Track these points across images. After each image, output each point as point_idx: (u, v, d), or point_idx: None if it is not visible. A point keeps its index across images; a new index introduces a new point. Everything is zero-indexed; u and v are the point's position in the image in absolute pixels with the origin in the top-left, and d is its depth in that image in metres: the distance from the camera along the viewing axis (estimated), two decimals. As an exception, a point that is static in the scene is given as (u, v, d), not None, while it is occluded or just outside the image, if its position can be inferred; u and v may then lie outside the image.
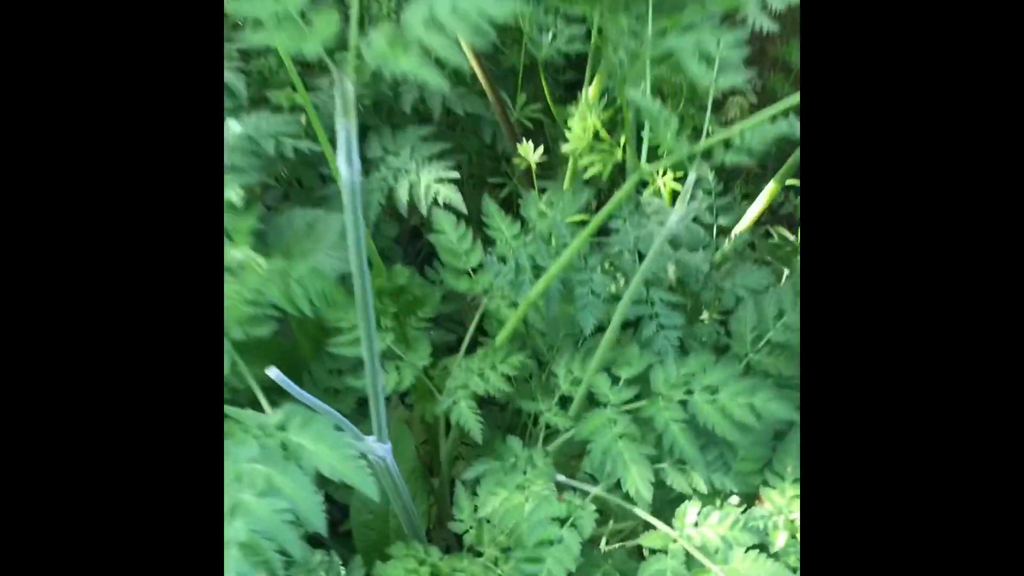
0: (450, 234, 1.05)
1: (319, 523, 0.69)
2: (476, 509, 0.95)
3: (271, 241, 1.06)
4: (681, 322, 0.96)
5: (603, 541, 0.93)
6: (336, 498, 1.21)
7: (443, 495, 1.19)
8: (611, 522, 0.93)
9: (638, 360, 0.91)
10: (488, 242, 1.04)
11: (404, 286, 1.04)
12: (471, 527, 0.97)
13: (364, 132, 1.28)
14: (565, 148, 1.10)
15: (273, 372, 0.68)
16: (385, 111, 1.34)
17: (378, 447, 0.89)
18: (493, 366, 1.00)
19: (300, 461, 0.70)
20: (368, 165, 1.24)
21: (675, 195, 1.23)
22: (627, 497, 0.84)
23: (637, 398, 0.89)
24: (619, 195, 0.85)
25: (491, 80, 1.27)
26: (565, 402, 0.98)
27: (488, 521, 0.94)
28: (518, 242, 1.02)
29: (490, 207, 1.04)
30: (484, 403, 1.09)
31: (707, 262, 1.06)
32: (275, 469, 0.69)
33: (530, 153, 1.14)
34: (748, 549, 0.75)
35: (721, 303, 1.05)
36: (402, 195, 1.17)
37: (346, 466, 0.70)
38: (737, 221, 1.10)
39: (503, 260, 1.01)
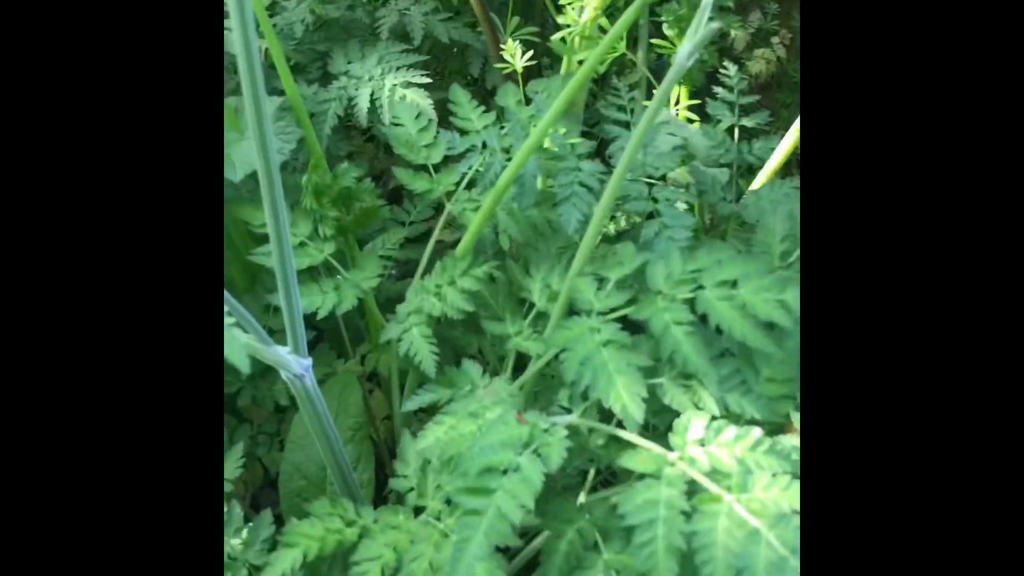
0: (409, 127, 0.85)
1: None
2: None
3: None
4: (689, 223, 0.75)
5: (582, 493, 0.71)
6: (267, 464, 1.00)
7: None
8: (592, 469, 0.71)
9: (632, 259, 0.70)
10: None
11: (349, 190, 0.84)
12: (415, 482, 0.75)
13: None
14: (556, 37, 0.90)
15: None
16: (359, 37, 1.16)
17: (292, 361, 0.69)
18: (452, 281, 0.79)
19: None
20: (329, 79, 1.05)
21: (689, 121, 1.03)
22: (603, 417, 0.62)
23: (630, 304, 0.67)
24: (623, 20, 0.66)
25: (483, 3, 1.09)
26: (540, 323, 0.77)
27: (431, 464, 0.72)
28: (491, 132, 0.82)
29: (457, 94, 0.85)
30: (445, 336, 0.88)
31: (727, 171, 0.86)
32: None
33: (517, 55, 0.95)
34: (775, 475, 0.53)
35: (742, 218, 0.84)
36: (362, 103, 0.98)
37: None
38: (763, 122, 0.90)
39: (471, 150, 0.81)
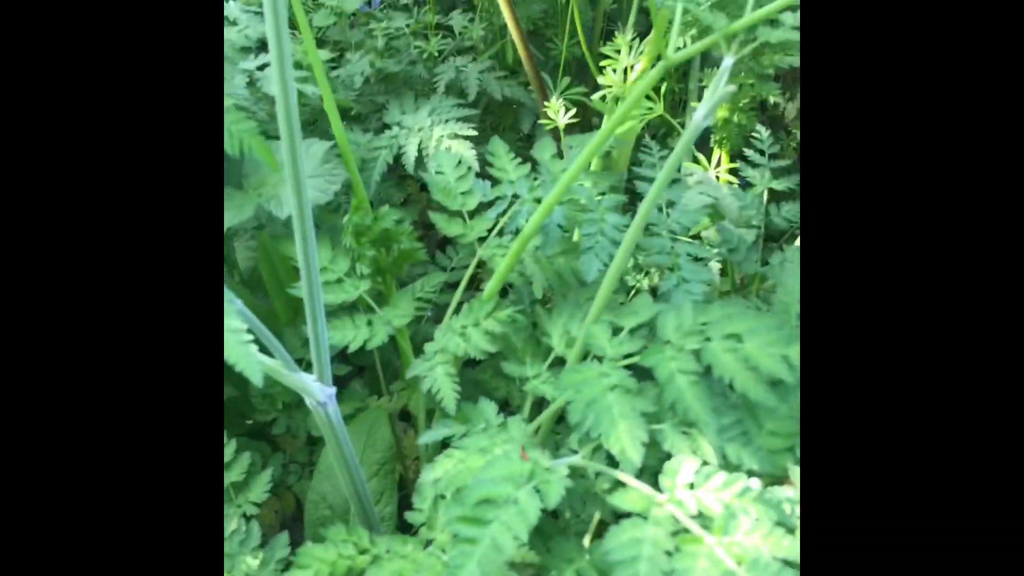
0: (448, 175, 0.89)
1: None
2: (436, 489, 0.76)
3: (248, 171, 0.93)
4: (707, 278, 0.77)
5: (587, 536, 0.72)
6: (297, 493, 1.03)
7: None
8: (597, 513, 0.72)
9: (647, 309, 0.72)
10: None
11: (388, 231, 0.88)
12: (428, 515, 0.77)
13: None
14: (596, 96, 0.94)
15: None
16: (417, 90, 1.22)
17: (316, 388, 0.72)
18: (477, 322, 0.82)
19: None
20: (384, 129, 1.11)
21: (732, 172, 1.06)
22: (611, 462, 0.64)
23: (642, 352, 0.69)
24: (643, 84, 0.69)
25: (535, 65, 1.14)
26: (559, 367, 0.79)
27: (443, 499, 0.75)
28: (523, 182, 0.86)
29: (496, 145, 0.89)
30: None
31: (753, 231, 0.88)
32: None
33: (560, 113, 0.99)
34: (758, 521, 0.54)
35: (768, 278, 0.85)
36: (411, 151, 1.03)
37: (225, 337, 0.53)
38: (794, 186, 0.91)
39: (503, 198, 0.85)
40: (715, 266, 0.97)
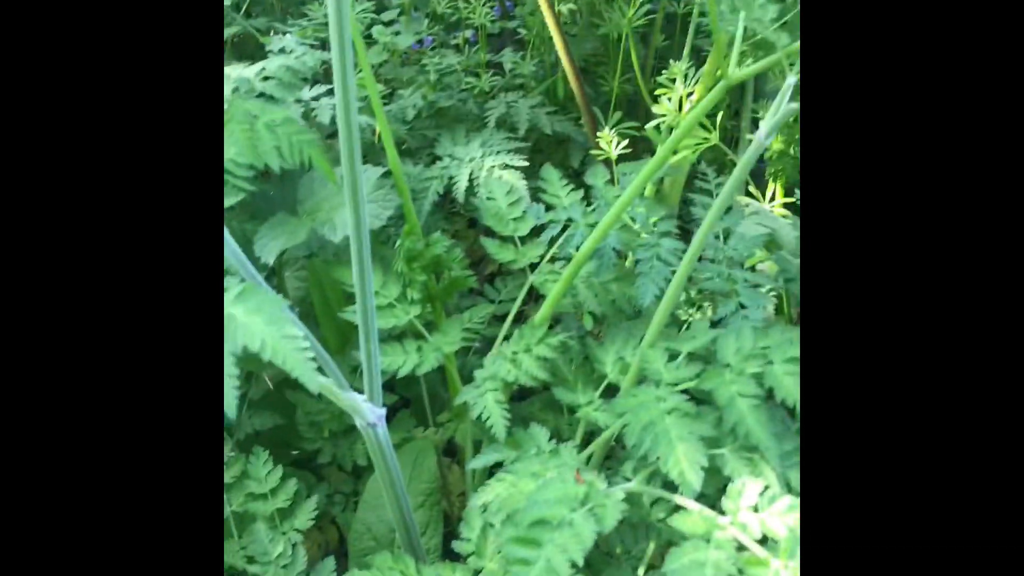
0: (500, 200, 0.89)
1: (229, 405, 0.51)
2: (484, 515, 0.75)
3: (302, 197, 0.93)
4: (767, 305, 0.75)
5: (641, 567, 0.69)
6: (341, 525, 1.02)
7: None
8: (652, 543, 0.70)
9: (704, 334, 0.70)
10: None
11: (439, 257, 0.88)
12: (476, 545, 0.75)
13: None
14: (650, 125, 0.94)
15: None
16: (467, 124, 1.22)
17: (367, 409, 0.71)
18: (528, 348, 0.81)
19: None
20: (435, 160, 1.11)
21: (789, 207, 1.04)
22: (668, 489, 0.62)
23: (699, 378, 0.68)
24: (704, 103, 0.68)
25: (587, 99, 1.14)
26: (612, 395, 0.77)
27: (493, 527, 0.73)
28: (576, 208, 0.85)
29: (549, 172, 0.89)
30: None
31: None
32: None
33: (612, 143, 0.98)
34: (829, 549, 0.51)
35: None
36: (462, 182, 1.03)
37: (281, 344, 0.52)
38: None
39: (555, 223, 0.84)
40: (770, 302, 0.95)
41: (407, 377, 1.08)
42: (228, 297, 0.54)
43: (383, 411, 0.73)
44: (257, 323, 0.53)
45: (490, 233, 0.88)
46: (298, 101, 1.05)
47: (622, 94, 1.26)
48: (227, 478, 0.88)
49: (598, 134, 1.01)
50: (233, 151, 0.60)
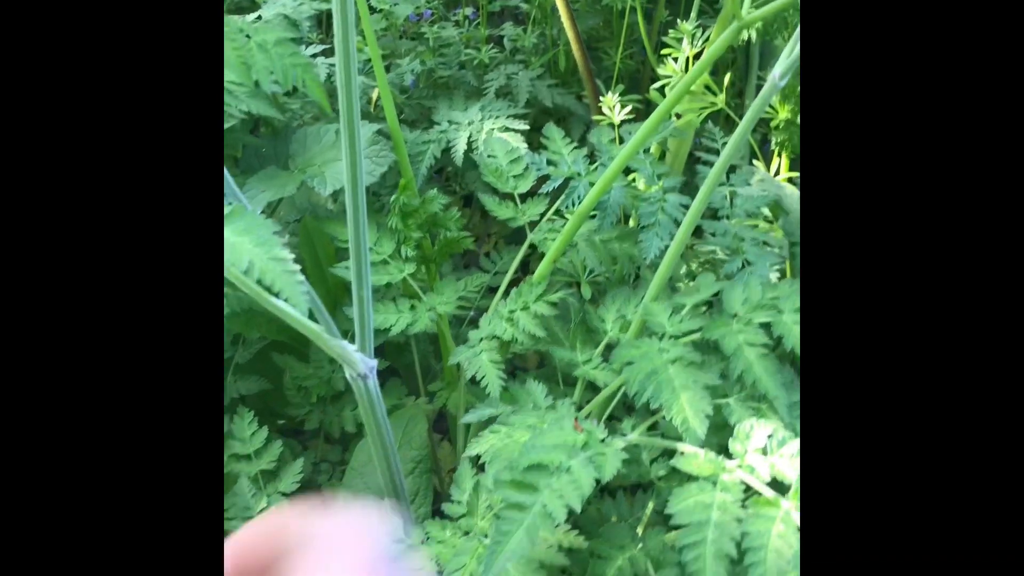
0: (500, 158, 0.87)
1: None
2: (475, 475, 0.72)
3: (294, 152, 0.91)
4: (774, 263, 0.72)
5: (640, 526, 0.67)
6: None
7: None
8: (652, 501, 0.67)
9: (709, 287, 0.68)
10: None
11: (436, 216, 0.85)
12: (467, 507, 0.72)
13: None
14: (654, 87, 0.91)
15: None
16: (465, 92, 1.20)
17: (358, 358, 0.68)
18: (526, 305, 0.78)
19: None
20: (430, 126, 1.09)
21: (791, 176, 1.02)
22: (672, 436, 0.59)
23: (704, 329, 0.65)
24: (714, 48, 0.66)
25: (591, 70, 1.12)
26: (611, 353, 0.75)
27: (482, 489, 0.70)
28: (579, 162, 0.82)
29: (551, 130, 0.86)
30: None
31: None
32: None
33: (615, 109, 0.96)
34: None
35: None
36: (460, 146, 1.00)
37: (269, 265, 0.50)
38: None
39: (555, 178, 0.81)
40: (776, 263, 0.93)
41: (398, 345, 1.06)
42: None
43: (375, 362, 0.70)
44: (245, 243, 0.51)
45: (487, 189, 0.85)
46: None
47: (625, 69, 1.24)
48: (210, 438, 0.85)
49: (601, 99, 0.99)
50: (225, 72, 0.57)
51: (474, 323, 1.04)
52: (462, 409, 0.94)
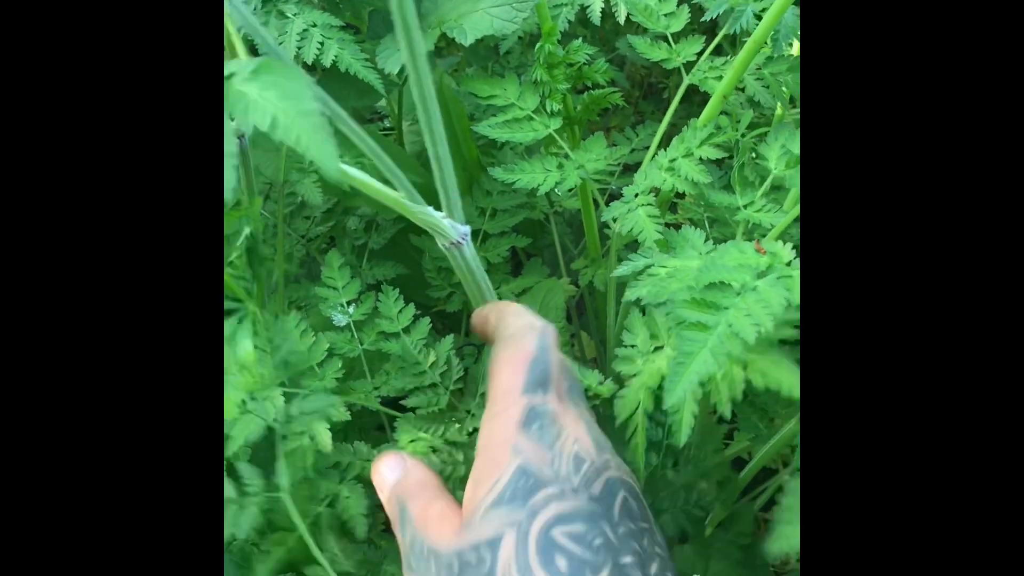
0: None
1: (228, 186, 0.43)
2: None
3: (426, 11, 0.86)
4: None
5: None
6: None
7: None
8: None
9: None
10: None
11: (581, 69, 0.79)
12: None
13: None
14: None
15: None
16: None
17: (448, 224, 0.61)
18: (689, 152, 0.72)
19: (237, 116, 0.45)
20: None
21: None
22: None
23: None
24: None
25: None
26: (775, 194, 0.68)
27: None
28: (738, -2, 0.75)
29: (705, -35, 0.79)
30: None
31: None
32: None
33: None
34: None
35: None
36: (596, 4, 0.93)
37: (295, 121, 0.43)
38: None
39: (717, 4, 0.74)
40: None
41: (535, 223, 1.01)
42: (242, 74, 0.46)
43: (467, 228, 0.64)
44: (270, 98, 0.44)
45: (637, 31, 0.79)
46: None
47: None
48: (357, 315, 0.82)
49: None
50: None
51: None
52: (612, 287, 0.88)
